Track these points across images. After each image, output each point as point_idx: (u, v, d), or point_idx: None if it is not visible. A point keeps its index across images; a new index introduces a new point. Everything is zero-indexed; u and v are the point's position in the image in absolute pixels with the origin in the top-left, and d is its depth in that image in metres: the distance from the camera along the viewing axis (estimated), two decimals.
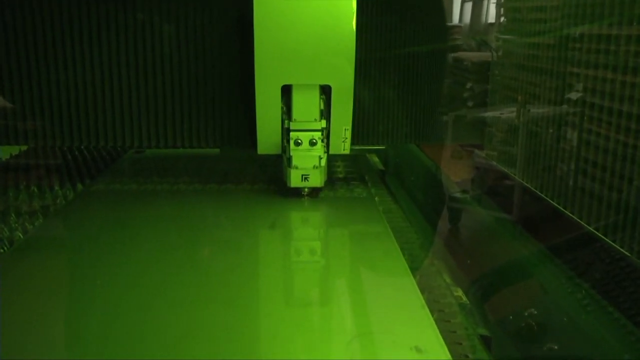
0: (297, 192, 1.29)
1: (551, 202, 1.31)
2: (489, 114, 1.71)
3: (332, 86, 1.25)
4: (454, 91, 1.79)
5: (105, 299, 0.85)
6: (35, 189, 1.40)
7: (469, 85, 1.79)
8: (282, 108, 1.26)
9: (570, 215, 1.23)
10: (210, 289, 0.89)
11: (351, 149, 1.33)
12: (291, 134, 1.24)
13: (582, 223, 1.18)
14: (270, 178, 1.44)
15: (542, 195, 1.35)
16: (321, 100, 1.26)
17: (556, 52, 1.30)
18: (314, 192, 1.30)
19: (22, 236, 1.15)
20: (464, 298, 1.09)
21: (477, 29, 2.07)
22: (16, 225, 1.20)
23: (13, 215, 1.25)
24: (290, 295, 0.92)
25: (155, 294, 0.87)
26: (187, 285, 0.90)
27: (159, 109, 1.38)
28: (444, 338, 0.76)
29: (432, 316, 0.81)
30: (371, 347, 0.74)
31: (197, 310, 0.82)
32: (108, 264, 0.97)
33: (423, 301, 0.85)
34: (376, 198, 1.41)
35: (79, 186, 1.44)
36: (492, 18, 2.00)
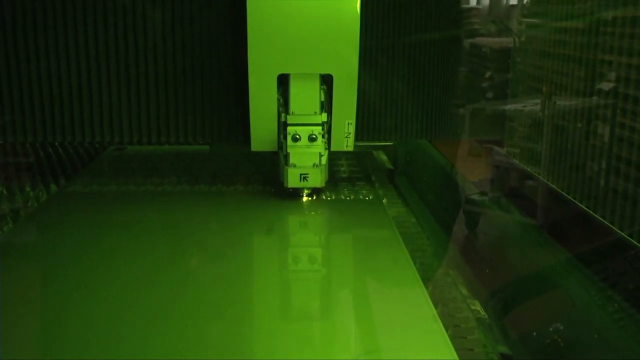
0: (295, 194, 1.28)
1: (579, 204, 1.30)
2: (510, 106, 1.71)
3: (333, 75, 1.25)
4: (471, 81, 1.78)
5: (82, 315, 0.85)
6: (4, 191, 1.40)
7: (487, 74, 1.78)
8: (278, 100, 1.26)
9: (601, 219, 1.22)
10: (200, 303, 0.89)
11: (355, 146, 1.33)
12: (288, 128, 1.24)
13: (614, 228, 1.18)
14: (265, 178, 1.44)
15: (570, 197, 1.34)
16: (322, 91, 1.26)
17: (586, 37, 1.30)
18: (314, 193, 1.30)
19: None
20: (482, 312, 1.09)
21: (497, 11, 2.07)
22: None
23: None
24: (288, 308, 0.91)
25: (140, 308, 0.87)
26: (175, 299, 0.90)
27: (143, 101, 1.38)
28: (459, 356, 0.75)
29: (447, 332, 0.81)
30: None
31: (185, 327, 0.82)
32: (85, 274, 0.97)
33: (436, 315, 0.85)
34: (384, 200, 1.41)
35: (53, 187, 1.44)
36: None
